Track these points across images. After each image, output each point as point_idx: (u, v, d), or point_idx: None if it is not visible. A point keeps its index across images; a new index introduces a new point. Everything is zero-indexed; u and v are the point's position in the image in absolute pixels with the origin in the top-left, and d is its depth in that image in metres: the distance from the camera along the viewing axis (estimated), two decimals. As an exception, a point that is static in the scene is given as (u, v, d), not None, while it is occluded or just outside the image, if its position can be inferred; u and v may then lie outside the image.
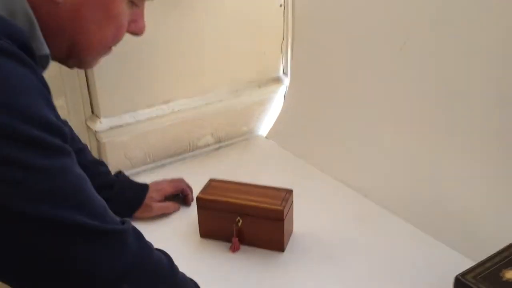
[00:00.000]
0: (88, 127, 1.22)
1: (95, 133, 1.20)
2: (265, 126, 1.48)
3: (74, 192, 0.55)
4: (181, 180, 1.16)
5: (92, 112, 1.22)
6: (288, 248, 1.01)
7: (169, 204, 1.11)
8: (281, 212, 0.96)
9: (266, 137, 1.46)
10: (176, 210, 1.12)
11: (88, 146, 1.22)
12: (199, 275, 0.96)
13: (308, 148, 1.35)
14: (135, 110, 1.24)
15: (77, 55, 0.70)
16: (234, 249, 1.00)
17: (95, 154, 1.24)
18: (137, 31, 0.76)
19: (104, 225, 0.57)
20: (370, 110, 1.23)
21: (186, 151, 1.36)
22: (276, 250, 1.00)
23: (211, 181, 1.05)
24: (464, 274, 0.78)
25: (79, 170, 0.58)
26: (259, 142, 1.45)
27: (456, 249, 0.98)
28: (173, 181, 1.15)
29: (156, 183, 1.12)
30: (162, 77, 1.25)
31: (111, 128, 1.20)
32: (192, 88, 1.31)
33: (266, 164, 1.33)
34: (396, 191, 1.14)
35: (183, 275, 0.72)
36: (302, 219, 1.05)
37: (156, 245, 1.03)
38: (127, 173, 1.26)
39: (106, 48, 0.73)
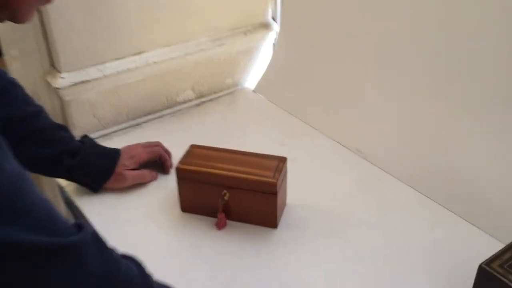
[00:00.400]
0: (48, 84, 1.05)
1: (56, 90, 1.03)
2: (252, 78, 1.32)
3: (6, 197, 0.41)
4: (157, 144, 1.02)
5: (52, 65, 1.05)
6: (281, 223, 0.89)
7: (145, 172, 0.98)
8: (274, 185, 0.83)
9: (253, 90, 1.31)
10: (153, 179, 0.99)
11: (50, 106, 1.06)
12: (181, 256, 0.85)
13: (300, 103, 1.21)
14: (102, 63, 1.07)
15: (7, 5, 0.53)
16: (220, 226, 0.88)
17: (58, 115, 1.08)
18: None
19: (53, 239, 0.43)
20: (371, 62, 1.08)
21: (163, 108, 1.21)
22: (268, 226, 0.88)
23: (193, 147, 0.91)
24: (489, 262, 0.67)
25: (13, 166, 0.43)
26: (246, 96, 1.30)
27: (479, 226, 0.87)
28: (148, 145, 1.01)
29: (129, 148, 0.98)
30: (134, 24, 1.08)
31: (75, 84, 1.04)
32: (168, 36, 1.14)
33: (254, 121, 1.19)
34: (399, 153, 1.01)
35: (158, 285, 0.58)
36: (296, 187, 0.93)
37: (131, 221, 0.90)
38: (96, 135, 1.12)
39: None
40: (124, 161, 0.95)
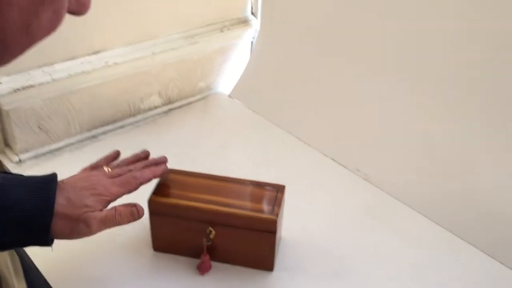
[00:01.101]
0: (-19, 89, 0.85)
1: (-8, 97, 0.83)
2: (228, 81, 1.16)
3: None
4: (135, 159, 0.75)
5: (-14, 66, 0.84)
6: (277, 264, 0.73)
7: (121, 211, 0.64)
8: (274, 222, 0.67)
9: (229, 95, 1.14)
10: (135, 218, 0.65)
11: (-17, 117, 0.86)
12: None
13: (284, 110, 1.06)
14: (50, 64, 0.87)
15: None
16: (204, 270, 0.71)
17: (-6, 127, 0.88)
18: (80, 9, 0.45)
19: None
20: (367, 64, 0.94)
21: (125, 116, 1.02)
22: (262, 269, 0.72)
23: (169, 172, 0.74)
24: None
25: None
26: (221, 103, 1.13)
27: (503, 262, 0.75)
28: (120, 168, 0.71)
29: (85, 178, 0.66)
30: (89, 17, 0.88)
31: (16, 90, 0.83)
32: (131, 32, 0.95)
33: (232, 133, 1.03)
34: (406, 174, 0.88)
35: None
36: (291, 217, 0.77)
37: (91, 263, 0.70)
38: (43, 150, 0.92)
39: (35, 43, 0.40)
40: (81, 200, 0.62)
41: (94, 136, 0.99)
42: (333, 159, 0.95)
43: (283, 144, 0.99)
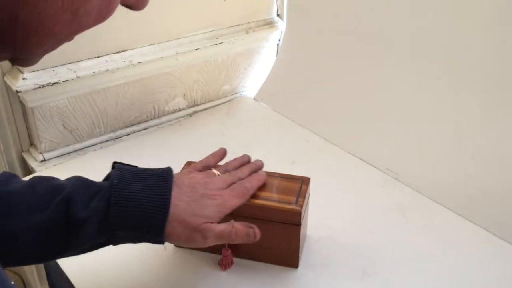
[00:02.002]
0: (6, 86, 0.85)
1: (17, 93, 0.83)
2: (253, 84, 1.14)
3: None
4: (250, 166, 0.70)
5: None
6: (302, 261, 0.69)
7: (238, 228, 0.60)
8: (298, 213, 0.64)
9: (254, 98, 1.13)
10: (251, 239, 0.61)
11: (8, 115, 0.86)
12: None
13: (310, 112, 1.03)
14: (75, 62, 0.87)
15: (19, 44, 0.37)
16: (225, 265, 0.68)
17: (19, 125, 0.88)
18: (138, 4, 0.44)
19: None
20: (394, 63, 0.90)
21: (149, 118, 1.02)
22: (286, 266, 0.68)
23: (190, 165, 0.72)
24: None
25: None
26: (246, 106, 1.11)
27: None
28: (232, 177, 0.66)
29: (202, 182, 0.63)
30: (115, 15, 0.88)
31: (41, 86, 0.84)
32: (156, 32, 0.95)
33: (257, 134, 1.00)
34: (440, 175, 0.83)
35: None
36: (317, 215, 0.74)
37: (110, 258, 0.67)
38: (67, 149, 0.92)
39: (81, 30, 0.40)
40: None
41: (118, 137, 0.98)
42: (361, 159, 0.91)
43: (309, 144, 0.96)
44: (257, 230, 0.60)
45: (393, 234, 0.75)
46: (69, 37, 0.40)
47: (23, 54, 0.39)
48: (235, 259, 0.69)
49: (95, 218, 0.54)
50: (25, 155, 0.92)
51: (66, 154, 0.93)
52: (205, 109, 1.08)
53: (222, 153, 0.72)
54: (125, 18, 0.89)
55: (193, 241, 0.58)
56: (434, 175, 0.83)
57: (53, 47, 0.40)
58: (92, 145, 0.95)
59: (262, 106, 1.10)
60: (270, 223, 0.65)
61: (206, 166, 0.68)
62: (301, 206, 0.64)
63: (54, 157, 0.92)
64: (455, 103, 0.83)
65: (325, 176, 0.86)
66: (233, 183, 0.64)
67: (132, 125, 1.00)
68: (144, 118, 1.01)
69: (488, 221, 0.75)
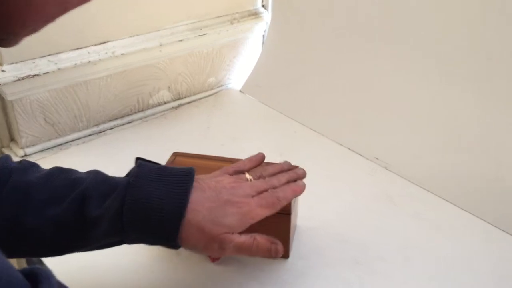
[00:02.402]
0: (-16, 79, 0.83)
1: (-5, 87, 0.81)
2: (239, 76, 1.13)
3: None
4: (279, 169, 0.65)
5: (-10, 55, 0.82)
6: (293, 251, 0.68)
7: (260, 242, 0.57)
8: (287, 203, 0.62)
9: (240, 90, 1.11)
10: (273, 255, 0.58)
11: (-14, 107, 0.83)
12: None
13: (297, 103, 1.02)
14: (56, 53, 0.85)
15: (3, 24, 0.35)
16: (214, 258, 0.67)
17: (-2, 118, 0.86)
18: None
19: None
20: (380, 53, 0.90)
21: (133, 111, 1.00)
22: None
23: (176, 156, 0.70)
24: None
25: None
26: (232, 98, 1.10)
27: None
28: (259, 184, 0.59)
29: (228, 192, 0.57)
30: (97, 5, 0.86)
31: (20, 79, 0.81)
32: (138, 23, 0.93)
33: (244, 126, 0.99)
34: (429, 160, 0.83)
35: None
36: (307, 205, 0.73)
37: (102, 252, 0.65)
38: (49, 144, 0.90)
39: (61, 13, 0.38)
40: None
41: (102, 131, 0.96)
42: (349, 149, 0.90)
43: (297, 135, 0.95)
44: (280, 247, 0.57)
45: (384, 222, 0.74)
46: (56, 16, 0.38)
47: (4, 35, 0.37)
48: (224, 251, 0.67)
49: (108, 217, 0.52)
50: (6, 151, 0.90)
51: (48, 149, 0.90)
52: (190, 102, 1.06)
53: (260, 158, 0.65)
54: (108, 8, 0.88)
55: (210, 250, 0.54)
56: (423, 164, 0.83)
57: (38, 28, 0.38)
58: (75, 140, 0.93)
59: (248, 98, 1.09)
60: (259, 213, 0.63)
61: (239, 170, 0.62)
62: (291, 195, 0.62)
63: (36, 152, 0.89)
64: (443, 92, 0.83)
65: (313, 167, 0.84)
66: (265, 190, 0.58)
67: (116, 118, 0.98)
68: (128, 111, 0.99)
69: (478, 208, 0.75)
